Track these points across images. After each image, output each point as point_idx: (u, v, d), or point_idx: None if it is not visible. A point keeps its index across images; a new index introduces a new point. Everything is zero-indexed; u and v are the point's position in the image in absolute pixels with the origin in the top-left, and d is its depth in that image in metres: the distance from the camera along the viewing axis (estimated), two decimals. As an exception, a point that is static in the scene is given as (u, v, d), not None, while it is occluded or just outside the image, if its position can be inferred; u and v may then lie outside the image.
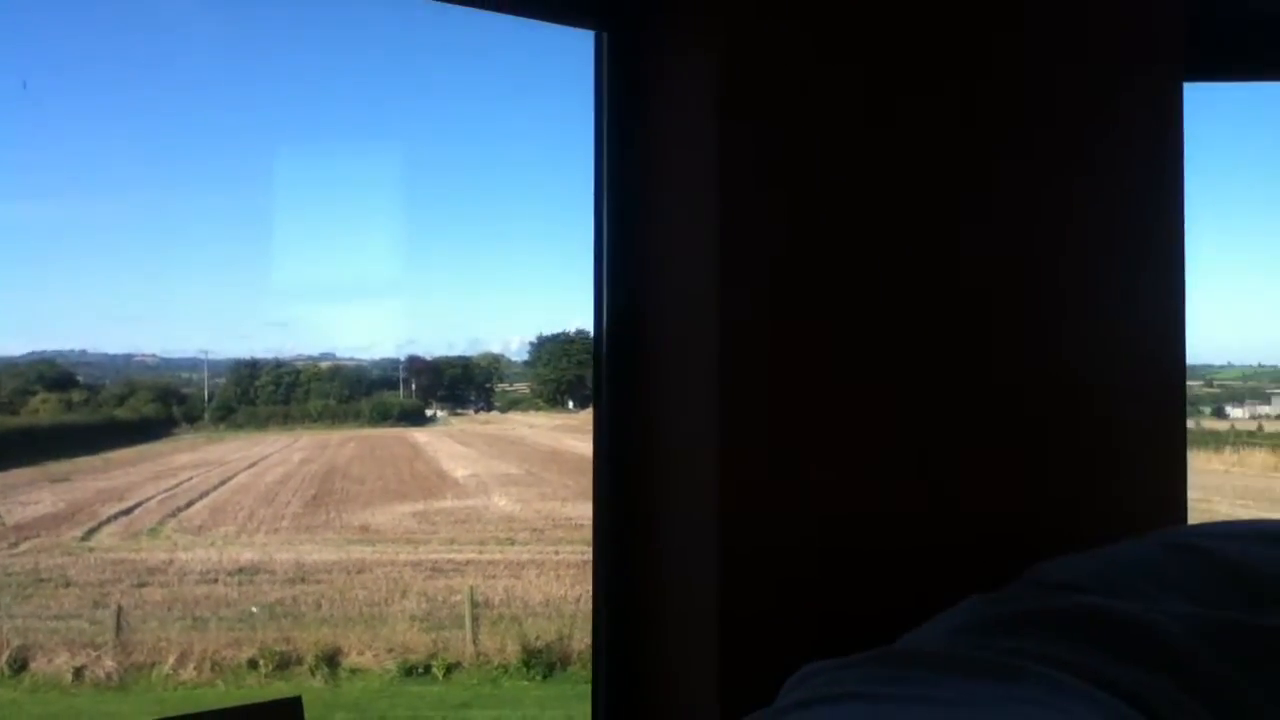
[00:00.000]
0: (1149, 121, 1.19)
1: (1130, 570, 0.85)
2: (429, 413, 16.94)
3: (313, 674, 8.95)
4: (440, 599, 10.06)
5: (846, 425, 1.10)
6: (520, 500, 12.68)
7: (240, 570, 10.62)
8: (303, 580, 10.47)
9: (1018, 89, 1.15)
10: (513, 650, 9.15)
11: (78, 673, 8.71)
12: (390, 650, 9.22)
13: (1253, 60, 1.39)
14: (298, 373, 16.31)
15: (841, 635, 0.82)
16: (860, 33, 1.13)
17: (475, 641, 9.34)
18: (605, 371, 1.28)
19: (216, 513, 12.14)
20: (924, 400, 1.11)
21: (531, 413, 16.56)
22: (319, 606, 9.98)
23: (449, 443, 15.76)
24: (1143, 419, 1.17)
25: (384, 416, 16.23)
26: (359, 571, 10.63)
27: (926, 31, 1.14)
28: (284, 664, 9.08)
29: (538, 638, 9.22)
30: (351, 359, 17.05)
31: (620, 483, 1.28)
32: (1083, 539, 0.93)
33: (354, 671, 9.06)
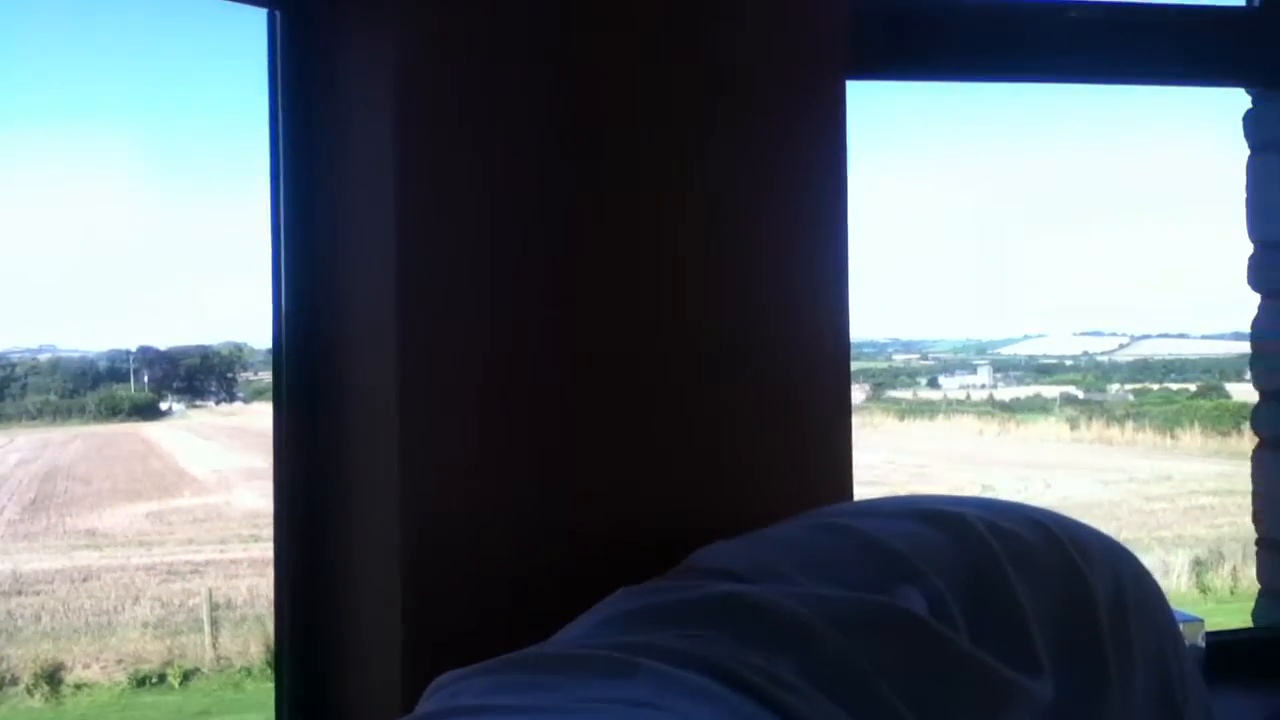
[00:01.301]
0: (811, 117, 1.24)
1: (779, 553, 0.88)
2: (164, 406, 15.99)
3: (30, 694, 8.28)
4: (177, 603, 9.53)
5: (519, 426, 1.11)
6: (266, 494, 12.12)
7: (-55, 586, 9.73)
8: (19, 592, 9.69)
9: (671, 85, 1.17)
10: (256, 651, 8.78)
11: None
12: (120, 661, 8.67)
13: (912, 57, 1.49)
14: (12, 366, 15.10)
15: (521, 632, 0.82)
16: (536, 27, 1.13)
17: (215, 645, 8.90)
18: (284, 372, 1.23)
19: (-84, 524, 11.07)
20: (597, 396, 1.14)
21: (278, 402, 15.89)
22: (39, 619, 9.25)
23: (187, 436, 14.93)
24: (809, 401, 1.23)
25: (113, 412, 15.20)
26: (85, 579, 9.92)
27: (598, 30, 1.15)
28: (-4, 685, 8.38)
29: (283, 637, 8.89)
30: (75, 351, 15.87)
31: (303, 484, 1.24)
32: (749, 521, 0.97)
33: (79, 687, 8.45)
